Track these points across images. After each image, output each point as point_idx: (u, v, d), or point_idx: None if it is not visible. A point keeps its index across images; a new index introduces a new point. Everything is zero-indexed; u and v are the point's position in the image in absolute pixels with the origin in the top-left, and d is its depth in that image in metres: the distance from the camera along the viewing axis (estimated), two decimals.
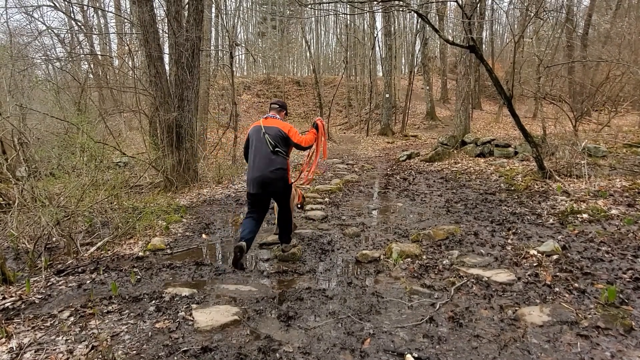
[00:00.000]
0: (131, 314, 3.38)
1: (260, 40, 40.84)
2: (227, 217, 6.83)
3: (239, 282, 4.09)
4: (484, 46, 28.80)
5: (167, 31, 10.06)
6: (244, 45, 28.28)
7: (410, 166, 12.20)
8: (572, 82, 17.20)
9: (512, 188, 7.89)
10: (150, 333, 3.05)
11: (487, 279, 3.81)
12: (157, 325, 3.16)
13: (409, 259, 4.42)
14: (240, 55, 32.92)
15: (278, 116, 4.78)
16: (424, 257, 4.51)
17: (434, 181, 9.41)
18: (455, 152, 12.89)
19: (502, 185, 8.33)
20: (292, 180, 4.91)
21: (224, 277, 4.22)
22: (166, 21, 9.88)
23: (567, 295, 3.39)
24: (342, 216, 6.60)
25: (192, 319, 3.23)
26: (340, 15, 26.08)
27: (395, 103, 25.56)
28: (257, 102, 30.10)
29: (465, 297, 3.49)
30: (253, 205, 4.61)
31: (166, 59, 10.42)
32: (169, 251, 5.13)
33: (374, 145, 19.33)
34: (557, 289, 3.50)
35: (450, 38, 25.97)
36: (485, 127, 21.32)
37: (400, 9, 11.01)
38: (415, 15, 9.79)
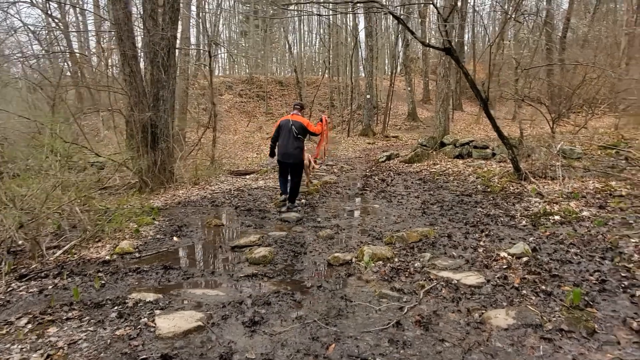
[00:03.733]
0: (92, 320, 3.28)
1: (242, 39, 40.55)
2: (201, 219, 6.71)
3: (207, 286, 4.01)
4: (465, 48, 29.05)
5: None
6: (224, 44, 27.97)
7: (390, 167, 12.20)
8: (551, 85, 17.44)
9: (489, 190, 7.94)
10: (109, 341, 2.95)
11: (456, 281, 3.80)
12: (117, 333, 3.06)
13: (381, 262, 4.39)
14: (222, 55, 32.61)
15: (299, 113, 6.99)
16: (396, 259, 4.49)
17: (412, 182, 9.42)
18: (434, 153, 12.94)
19: (478, 186, 8.38)
20: (306, 159, 7.33)
21: (192, 281, 4.13)
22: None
23: (533, 297, 3.40)
24: (318, 218, 6.55)
25: (154, 325, 3.14)
26: (323, 16, 26.05)
27: (377, 104, 25.61)
28: (240, 102, 29.74)
29: (433, 301, 3.47)
30: (281, 170, 7.10)
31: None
32: (137, 255, 4.99)
33: (354, 146, 19.30)
34: (524, 292, 3.50)
35: (432, 40, 26.20)
36: (465, 128, 21.50)
37: (378, 11, 11.01)
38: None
